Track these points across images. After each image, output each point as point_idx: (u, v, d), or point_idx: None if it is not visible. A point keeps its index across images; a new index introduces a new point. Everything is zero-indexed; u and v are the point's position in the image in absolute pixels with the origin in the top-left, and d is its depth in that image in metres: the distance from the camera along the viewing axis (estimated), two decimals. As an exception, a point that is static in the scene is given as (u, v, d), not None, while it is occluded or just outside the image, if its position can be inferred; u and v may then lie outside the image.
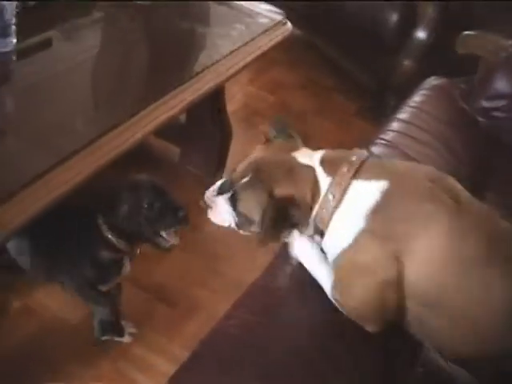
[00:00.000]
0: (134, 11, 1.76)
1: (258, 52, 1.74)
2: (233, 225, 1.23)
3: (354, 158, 1.18)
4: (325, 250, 1.22)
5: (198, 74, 1.53)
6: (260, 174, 1.18)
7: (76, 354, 1.60)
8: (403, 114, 1.74)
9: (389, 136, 1.62)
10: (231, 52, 1.65)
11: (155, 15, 1.79)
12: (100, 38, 1.70)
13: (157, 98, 1.41)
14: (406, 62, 2.55)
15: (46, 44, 1.56)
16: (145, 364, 1.61)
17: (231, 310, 1.23)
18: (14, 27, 1.44)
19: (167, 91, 1.44)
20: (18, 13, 1.45)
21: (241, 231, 1.25)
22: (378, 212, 1.14)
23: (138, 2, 1.78)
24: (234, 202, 1.20)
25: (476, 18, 2.33)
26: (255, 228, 1.21)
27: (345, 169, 1.16)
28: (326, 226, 1.18)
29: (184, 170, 2.09)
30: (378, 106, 2.63)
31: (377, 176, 1.16)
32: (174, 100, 1.43)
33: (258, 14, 1.86)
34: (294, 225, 1.20)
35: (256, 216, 1.18)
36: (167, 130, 1.51)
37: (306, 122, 2.59)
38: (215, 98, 1.91)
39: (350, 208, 1.16)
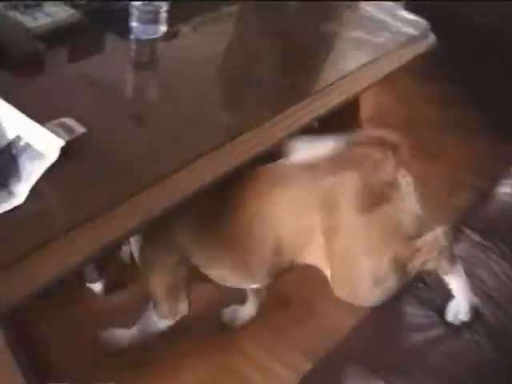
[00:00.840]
0: (271, 10, 1.70)
1: (400, 63, 1.65)
2: None
3: None
4: None
5: (337, 81, 1.45)
6: None
7: (189, 345, 1.59)
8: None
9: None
10: (373, 61, 1.56)
11: (293, 16, 1.73)
12: (241, 34, 1.65)
13: (290, 105, 1.34)
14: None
15: (188, 34, 1.53)
16: (254, 361, 1.60)
17: (360, 323, 1.20)
18: (164, 14, 1.41)
19: (302, 98, 1.36)
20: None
21: None
22: None
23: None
24: None
25: None
26: None
27: None
28: None
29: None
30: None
31: None
32: (311, 107, 1.36)
33: (402, 22, 1.76)
34: None
35: None
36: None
37: (435, 137, 2.49)
38: (350, 106, 1.83)
39: None
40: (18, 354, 1.14)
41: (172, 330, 1.53)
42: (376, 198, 1.21)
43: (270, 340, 1.60)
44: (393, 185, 1.22)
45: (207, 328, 1.62)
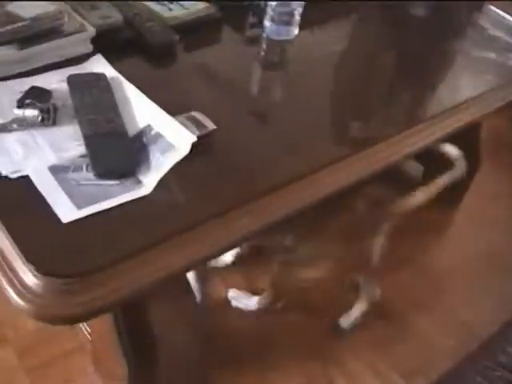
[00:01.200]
0: (399, 16, 1.67)
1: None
2: None
3: None
4: None
5: (467, 101, 1.39)
6: None
7: (287, 348, 1.59)
8: None
9: None
10: (504, 84, 1.49)
11: (420, 24, 1.68)
12: (370, 42, 1.59)
13: (420, 122, 1.30)
14: None
15: (318, 39, 1.51)
16: (350, 373, 1.58)
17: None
18: (298, 17, 1.39)
19: (431, 116, 1.32)
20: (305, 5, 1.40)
21: None
22: None
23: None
24: None
25: None
26: None
27: None
28: None
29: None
30: None
31: None
32: (439, 125, 1.31)
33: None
34: None
35: None
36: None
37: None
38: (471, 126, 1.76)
39: None
40: (124, 337, 1.15)
41: (271, 332, 1.52)
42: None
43: (369, 354, 1.59)
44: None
45: (307, 334, 1.60)
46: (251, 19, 1.47)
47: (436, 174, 1.95)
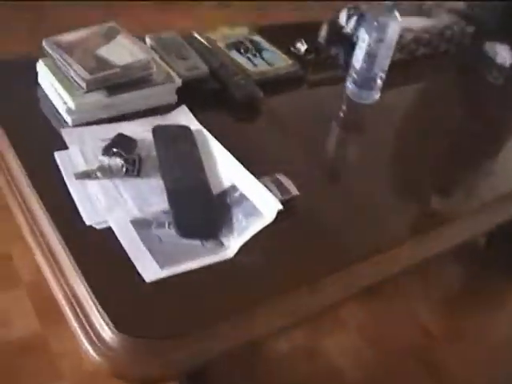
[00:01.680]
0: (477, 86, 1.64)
1: None
2: None
3: None
4: None
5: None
6: None
7: None
8: None
9: None
10: None
11: (502, 95, 1.66)
12: (452, 108, 1.57)
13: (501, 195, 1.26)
14: None
15: (399, 105, 1.49)
16: None
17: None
18: (380, 83, 1.38)
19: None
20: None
21: None
22: None
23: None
24: None
25: None
26: None
27: None
28: None
29: (487, 258, 1.94)
30: None
31: None
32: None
33: None
34: None
35: None
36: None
37: None
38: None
39: None
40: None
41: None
42: None
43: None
44: None
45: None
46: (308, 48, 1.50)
47: (500, 245, 1.91)
